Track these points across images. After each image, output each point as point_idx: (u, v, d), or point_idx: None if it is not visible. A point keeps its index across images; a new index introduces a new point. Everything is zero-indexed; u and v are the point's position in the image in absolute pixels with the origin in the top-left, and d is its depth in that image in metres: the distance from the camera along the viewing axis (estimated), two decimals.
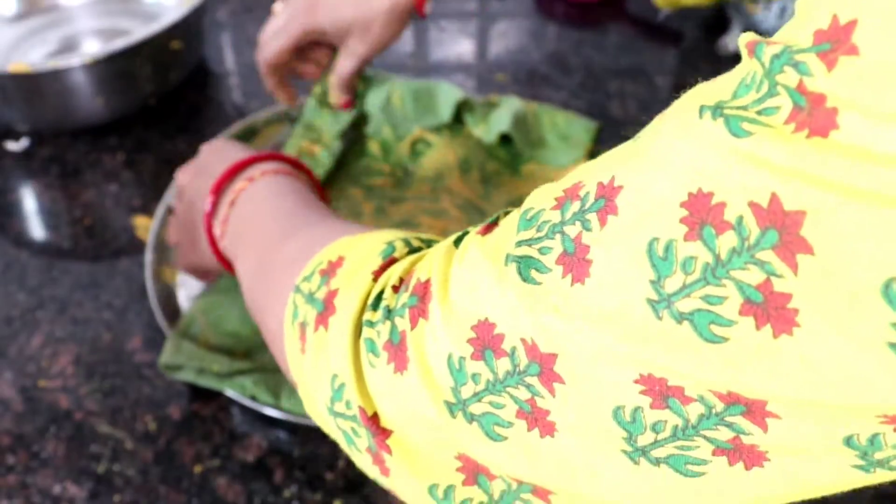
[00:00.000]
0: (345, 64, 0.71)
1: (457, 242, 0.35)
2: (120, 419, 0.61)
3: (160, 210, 0.72)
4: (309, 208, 0.51)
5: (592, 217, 0.27)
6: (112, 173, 0.79)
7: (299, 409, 0.58)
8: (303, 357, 0.39)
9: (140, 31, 0.77)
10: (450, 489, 0.34)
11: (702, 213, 0.24)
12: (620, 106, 0.86)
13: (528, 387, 0.29)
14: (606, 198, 0.27)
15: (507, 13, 1.01)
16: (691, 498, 0.28)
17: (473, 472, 0.33)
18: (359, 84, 0.76)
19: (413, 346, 0.33)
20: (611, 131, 0.83)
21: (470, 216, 0.71)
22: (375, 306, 0.36)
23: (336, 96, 0.74)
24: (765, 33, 0.88)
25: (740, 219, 0.23)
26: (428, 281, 0.34)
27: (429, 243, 0.41)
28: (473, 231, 0.35)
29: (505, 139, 0.76)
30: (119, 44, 0.76)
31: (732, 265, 0.24)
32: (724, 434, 0.26)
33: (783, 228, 0.23)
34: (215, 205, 0.55)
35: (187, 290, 0.68)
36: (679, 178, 0.25)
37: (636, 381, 0.26)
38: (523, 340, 0.29)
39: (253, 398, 0.58)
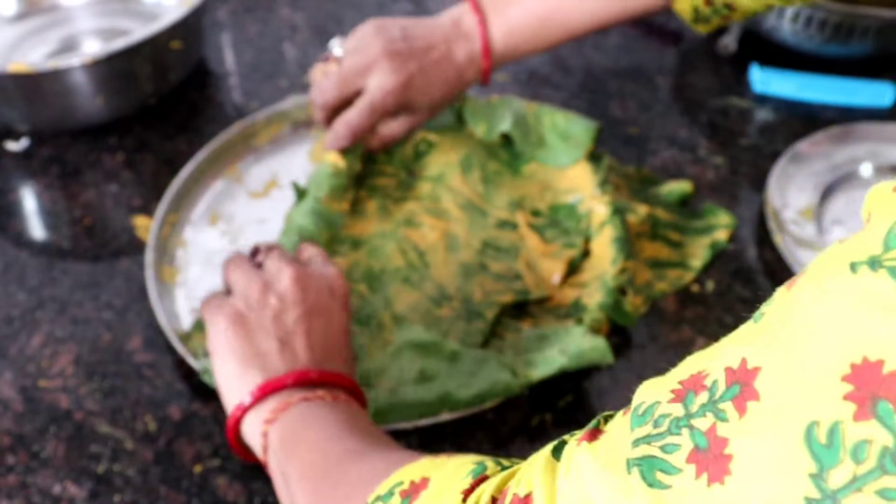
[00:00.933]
0: (399, 129, 0.71)
1: (555, 453, 0.32)
2: (120, 419, 0.61)
3: (160, 210, 0.72)
4: (369, 431, 0.48)
5: (727, 406, 0.24)
6: (112, 173, 0.79)
7: None
8: None
9: (140, 31, 0.77)
10: None
11: (872, 386, 0.21)
12: (620, 106, 0.86)
13: None
14: (742, 383, 0.24)
15: None
16: None
17: None
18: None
19: None
20: (611, 131, 0.83)
21: (472, 216, 0.71)
22: None
23: (335, 142, 0.70)
24: (765, 35, 0.88)
25: None
26: (528, 497, 0.31)
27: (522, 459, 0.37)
28: (573, 439, 0.31)
29: (506, 139, 0.76)
30: (119, 44, 0.76)
31: None
32: None
33: None
34: (248, 411, 0.51)
35: (187, 289, 0.68)
36: (835, 348, 0.21)
37: None
38: None
39: None
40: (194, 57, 0.88)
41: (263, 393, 0.51)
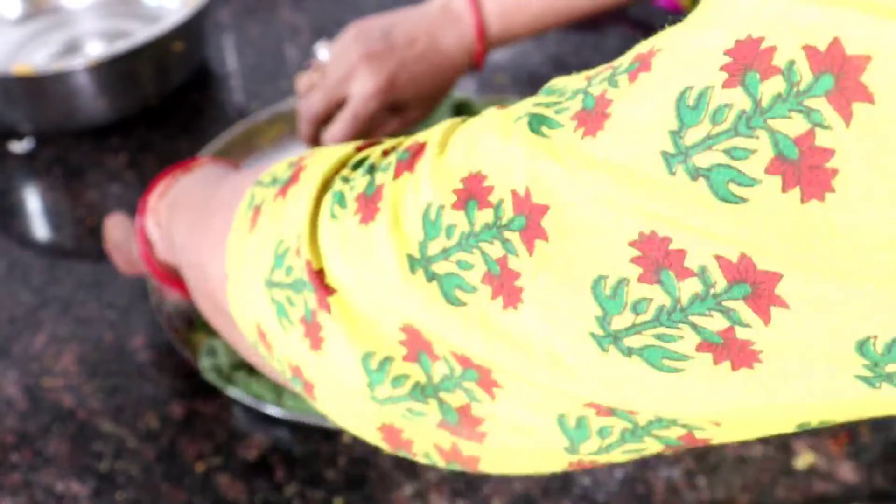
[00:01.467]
0: (393, 128, 0.70)
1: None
2: (122, 418, 0.61)
3: None
4: (231, 176, 0.48)
5: (621, 77, 0.25)
6: (115, 174, 0.80)
7: (303, 408, 0.58)
8: (249, 236, 0.36)
9: (142, 33, 0.77)
10: (386, 362, 0.30)
11: (747, 59, 0.22)
12: None
13: (505, 242, 0.26)
14: (641, 60, 0.25)
15: None
16: (661, 398, 0.25)
17: (416, 349, 0.30)
18: None
19: (389, 196, 0.30)
20: None
21: None
22: (357, 166, 0.33)
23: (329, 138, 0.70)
24: None
25: (791, 63, 0.21)
26: (424, 145, 0.31)
27: None
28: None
29: None
30: (122, 46, 0.76)
31: (773, 112, 0.21)
32: (716, 323, 0.23)
33: (841, 73, 0.20)
34: (144, 211, 0.53)
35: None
36: (728, 28, 0.23)
37: (632, 243, 0.24)
38: (514, 192, 0.26)
39: (258, 397, 0.59)
40: (196, 58, 0.88)
41: (143, 201, 0.53)
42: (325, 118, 0.69)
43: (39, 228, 0.77)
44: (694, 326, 0.23)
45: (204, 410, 0.61)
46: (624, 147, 0.24)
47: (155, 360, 0.65)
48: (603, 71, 0.27)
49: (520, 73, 0.91)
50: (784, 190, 0.21)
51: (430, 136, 0.32)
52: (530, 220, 0.26)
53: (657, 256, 0.23)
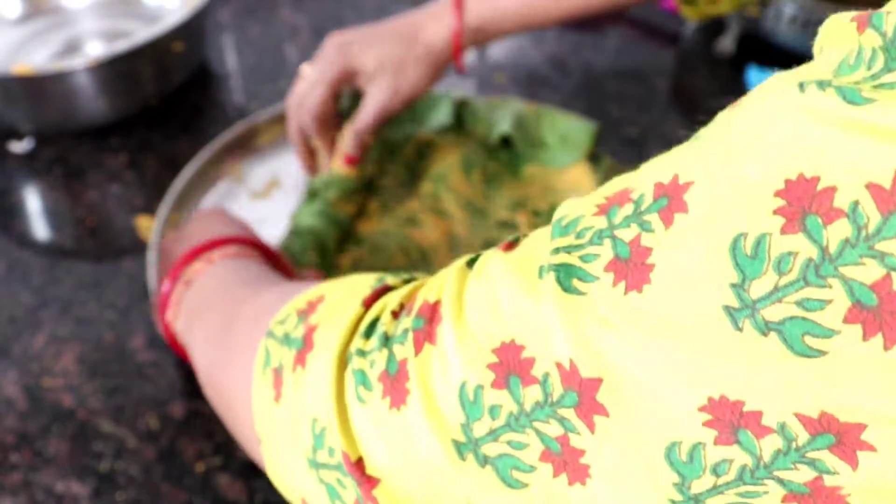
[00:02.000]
0: (367, 111, 0.68)
1: (470, 264, 0.31)
2: (122, 418, 0.61)
3: (163, 210, 0.72)
4: (275, 275, 0.48)
5: (653, 218, 0.23)
6: (115, 174, 0.80)
7: None
8: (276, 406, 0.34)
9: (142, 33, 0.77)
10: None
11: (804, 201, 0.20)
12: (619, 107, 0.86)
13: (562, 421, 0.25)
14: (670, 196, 0.23)
15: None
16: None
17: None
18: (373, 147, 0.73)
19: (416, 376, 0.28)
20: (609, 132, 0.83)
21: (472, 217, 0.72)
22: (369, 334, 0.32)
23: (346, 148, 0.69)
24: (762, 36, 0.89)
25: (855, 204, 0.20)
26: (437, 302, 0.29)
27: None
28: (490, 251, 0.31)
29: (505, 141, 0.76)
30: (122, 45, 0.76)
31: (843, 260, 0.20)
32: (802, 475, 0.22)
33: None
34: (172, 289, 0.53)
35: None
36: (772, 163, 0.21)
37: (702, 409, 0.22)
38: (559, 364, 0.25)
39: None
40: (196, 58, 0.88)
41: (173, 275, 0.52)
42: (322, 121, 0.70)
43: (39, 228, 0.77)
44: (779, 481, 0.22)
45: (204, 410, 0.61)
46: (678, 303, 0.22)
47: (155, 360, 0.65)
48: (617, 201, 0.25)
49: (519, 72, 0.91)
50: (865, 338, 0.20)
51: (439, 291, 0.30)
52: (583, 396, 0.24)
53: (731, 418, 0.22)
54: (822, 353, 0.20)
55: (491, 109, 0.78)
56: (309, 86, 0.69)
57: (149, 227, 0.74)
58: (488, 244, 0.69)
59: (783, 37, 0.87)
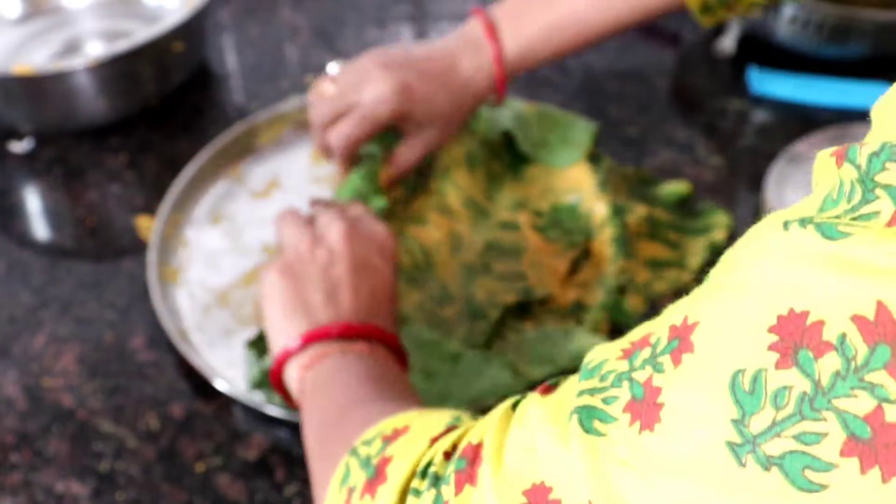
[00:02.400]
0: (412, 153, 0.67)
1: (514, 405, 0.33)
2: (122, 418, 0.61)
3: (163, 210, 0.72)
4: (389, 383, 0.49)
5: (665, 359, 0.25)
6: (115, 174, 0.80)
7: None
8: None
9: (142, 33, 0.77)
10: None
11: (795, 336, 0.21)
12: (619, 107, 0.86)
13: None
14: (680, 337, 0.25)
15: None
16: None
17: None
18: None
19: None
20: (610, 132, 0.83)
21: (475, 216, 0.72)
22: (424, 474, 0.34)
23: (385, 180, 0.69)
24: (762, 37, 0.89)
25: (843, 336, 0.20)
26: (479, 444, 0.31)
27: None
28: (532, 394, 0.32)
29: (507, 140, 0.76)
30: (122, 45, 0.76)
31: (836, 393, 0.21)
32: None
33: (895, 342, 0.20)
34: (299, 351, 0.52)
35: (189, 289, 0.69)
36: (765, 301, 0.22)
37: None
38: None
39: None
40: (196, 58, 0.88)
41: (307, 341, 0.52)
42: (353, 155, 0.68)
43: (39, 228, 0.77)
44: None
45: (204, 410, 0.61)
46: (686, 440, 0.23)
47: (155, 360, 0.65)
48: (640, 345, 0.26)
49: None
50: (863, 472, 0.20)
51: (482, 432, 0.32)
52: None
53: None
54: (823, 487, 0.21)
55: (492, 109, 0.78)
56: (338, 111, 0.66)
57: (149, 227, 0.74)
58: (489, 246, 0.70)
59: (784, 37, 0.87)
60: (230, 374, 0.63)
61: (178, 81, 0.86)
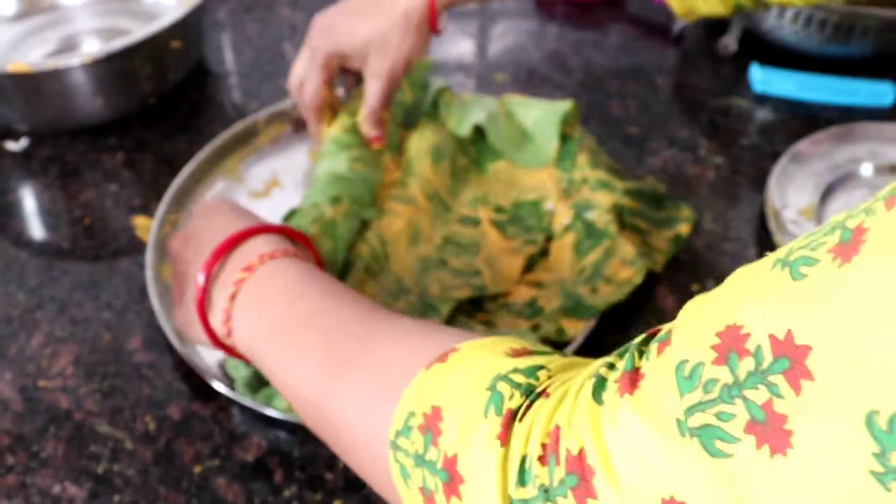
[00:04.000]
0: (371, 88, 0.69)
1: (595, 394, 0.32)
2: (119, 419, 0.61)
3: (161, 210, 0.72)
4: (340, 302, 0.48)
5: (779, 381, 0.25)
6: (112, 173, 0.79)
7: None
8: None
9: (139, 31, 0.77)
10: None
11: None
12: (620, 106, 0.86)
13: None
14: (791, 358, 0.25)
15: (507, 13, 1.00)
16: None
17: None
18: (390, 120, 0.74)
19: None
20: (611, 131, 0.83)
21: (436, 209, 0.71)
22: (523, 481, 0.33)
23: (366, 130, 0.71)
24: (765, 34, 0.88)
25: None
26: (581, 453, 0.31)
27: (533, 374, 0.37)
28: (612, 380, 0.32)
29: (478, 135, 0.76)
30: (118, 43, 0.76)
31: None
32: None
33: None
34: (207, 292, 0.53)
35: None
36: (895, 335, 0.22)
37: None
38: None
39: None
40: (194, 57, 0.88)
41: (205, 274, 0.52)
42: (318, 110, 0.72)
43: (35, 228, 0.76)
44: None
45: (202, 412, 0.61)
46: (825, 467, 0.24)
47: (152, 361, 0.64)
48: (732, 345, 0.26)
49: (519, 71, 0.91)
50: None
51: (579, 439, 0.31)
52: None
53: None
54: None
55: (464, 105, 0.77)
56: (300, 74, 0.71)
57: (146, 226, 0.73)
58: (447, 240, 0.69)
59: (786, 35, 0.87)
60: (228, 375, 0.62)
61: (176, 80, 0.85)
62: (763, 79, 0.87)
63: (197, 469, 0.58)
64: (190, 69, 0.87)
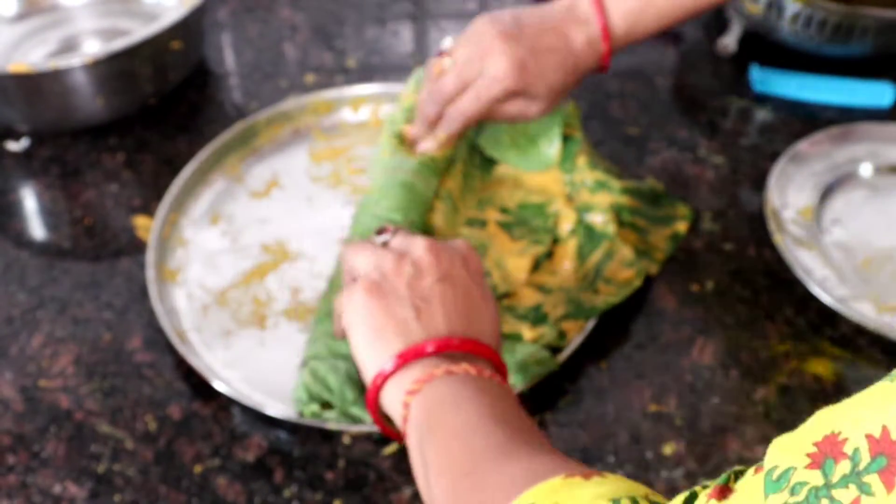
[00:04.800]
0: (511, 111, 0.67)
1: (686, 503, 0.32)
2: (120, 419, 0.61)
3: (161, 210, 0.72)
4: (514, 421, 0.46)
5: (873, 479, 0.24)
6: (112, 173, 0.79)
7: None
8: None
9: (140, 32, 0.77)
10: None
11: None
12: (620, 106, 0.86)
13: None
14: (888, 455, 0.24)
15: None
16: None
17: None
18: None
19: None
20: (611, 131, 0.83)
21: (449, 210, 0.71)
22: None
23: (416, 132, 0.70)
24: (765, 35, 0.88)
25: None
26: None
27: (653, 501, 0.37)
28: (703, 495, 0.31)
29: (475, 150, 0.76)
30: (119, 44, 0.76)
31: None
32: None
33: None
34: (392, 374, 0.50)
35: (188, 289, 0.68)
36: None
37: None
38: None
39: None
40: (194, 57, 0.88)
41: (404, 360, 0.49)
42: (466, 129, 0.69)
43: (36, 228, 0.76)
44: None
45: (202, 411, 0.61)
46: None
47: (153, 360, 0.64)
48: (829, 451, 0.26)
49: None
50: None
51: None
52: None
53: None
54: None
55: None
56: (462, 86, 0.66)
57: (146, 226, 0.74)
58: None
59: (785, 35, 0.87)
60: (228, 374, 0.62)
61: (177, 80, 0.86)
62: (763, 79, 0.87)
63: (197, 469, 0.58)
64: (190, 69, 0.88)
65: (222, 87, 0.89)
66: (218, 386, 0.60)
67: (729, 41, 0.91)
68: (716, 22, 0.96)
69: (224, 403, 0.61)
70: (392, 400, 0.50)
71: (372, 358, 0.51)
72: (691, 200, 0.76)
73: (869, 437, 0.24)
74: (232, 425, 0.60)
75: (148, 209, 0.76)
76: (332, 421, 0.58)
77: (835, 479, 0.25)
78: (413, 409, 0.48)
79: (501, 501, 0.38)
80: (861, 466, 0.24)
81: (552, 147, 0.73)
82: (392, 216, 0.66)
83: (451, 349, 0.50)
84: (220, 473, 0.58)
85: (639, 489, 0.37)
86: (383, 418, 0.52)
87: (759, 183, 0.77)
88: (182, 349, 0.62)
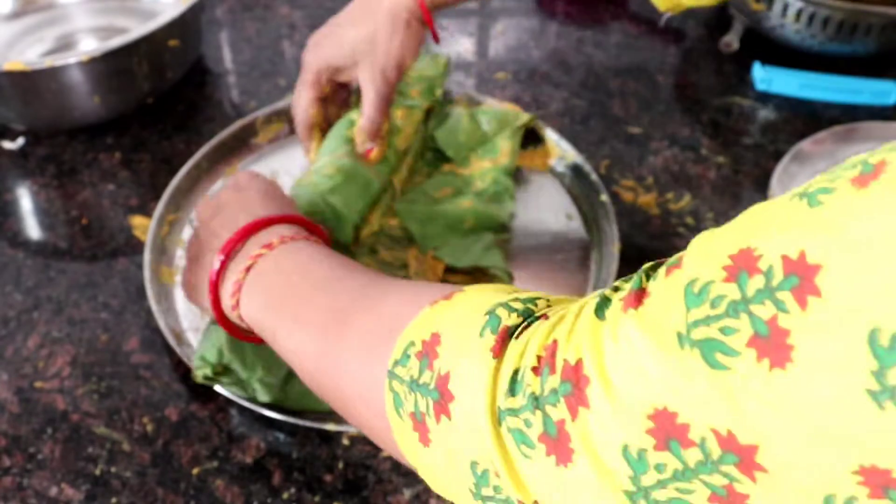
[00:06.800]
0: (365, 97, 0.67)
1: (598, 312, 0.32)
2: (117, 421, 0.60)
3: (158, 210, 0.71)
4: (351, 272, 0.49)
5: (786, 297, 0.25)
6: (109, 173, 0.79)
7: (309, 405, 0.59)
8: (427, 449, 0.37)
9: (137, 30, 0.76)
10: None
11: None
12: (622, 105, 0.85)
13: (726, 475, 0.27)
14: (801, 276, 0.25)
15: (508, 11, 1.00)
16: None
17: None
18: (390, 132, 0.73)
19: (578, 438, 0.31)
20: (612, 130, 0.82)
21: (386, 196, 0.71)
22: (513, 391, 0.33)
23: (360, 144, 0.70)
24: (767, 31, 0.88)
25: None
26: (579, 363, 0.31)
27: (532, 301, 0.37)
28: (616, 298, 0.32)
29: (433, 142, 0.77)
30: (116, 42, 0.75)
31: None
32: None
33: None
34: (224, 267, 0.53)
35: None
36: None
37: (855, 472, 0.24)
38: (715, 431, 0.27)
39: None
40: (192, 55, 0.87)
41: (226, 251, 0.53)
42: (308, 127, 0.71)
43: (32, 228, 0.75)
44: None
45: (199, 413, 0.60)
46: (822, 383, 0.24)
47: (150, 362, 0.63)
48: (743, 264, 0.27)
49: (521, 70, 0.90)
50: None
51: (578, 350, 0.31)
52: (743, 457, 0.26)
53: (883, 482, 0.24)
54: None
55: (443, 118, 0.78)
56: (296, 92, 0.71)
57: (144, 226, 0.73)
58: (383, 230, 0.69)
59: (788, 33, 0.86)
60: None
61: (174, 79, 0.85)
62: (765, 77, 0.86)
63: (195, 471, 0.57)
64: (188, 68, 0.87)
65: (220, 86, 0.89)
66: (215, 387, 0.60)
67: (731, 39, 0.90)
68: (718, 20, 0.96)
69: (222, 405, 0.61)
70: (228, 292, 0.53)
71: (200, 275, 0.56)
72: (693, 199, 0.75)
73: (785, 257, 0.25)
74: (230, 427, 0.60)
75: (145, 209, 0.75)
76: (225, 387, 0.59)
77: (750, 292, 0.26)
78: (249, 289, 0.51)
79: (382, 344, 0.40)
80: (774, 283, 0.25)
81: (505, 145, 0.75)
82: (333, 201, 0.66)
83: (260, 228, 0.54)
84: (218, 475, 0.57)
85: (500, 294, 0.38)
86: (237, 329, 0.55)
87: (762, 182, 0.76)
88: (179, 350, 0.61)
